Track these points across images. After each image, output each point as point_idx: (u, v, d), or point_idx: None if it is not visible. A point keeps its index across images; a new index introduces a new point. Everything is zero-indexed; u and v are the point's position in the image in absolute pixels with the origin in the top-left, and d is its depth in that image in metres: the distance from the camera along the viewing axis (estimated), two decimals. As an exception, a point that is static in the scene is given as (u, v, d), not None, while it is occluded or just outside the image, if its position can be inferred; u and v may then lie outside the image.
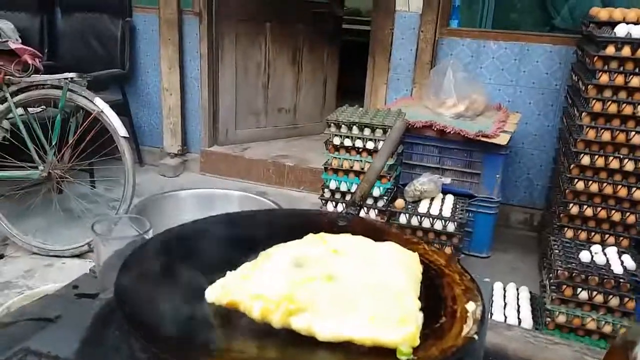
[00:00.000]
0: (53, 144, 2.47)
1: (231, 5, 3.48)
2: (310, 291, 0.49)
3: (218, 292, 0.52)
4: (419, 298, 0.52)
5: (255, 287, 0.51)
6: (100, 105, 2.42)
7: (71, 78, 2.45)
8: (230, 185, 3.47)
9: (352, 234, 0.64)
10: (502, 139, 2.45)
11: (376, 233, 0.64)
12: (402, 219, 2.41)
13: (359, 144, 2.45)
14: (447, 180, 2.60)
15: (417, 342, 0.46)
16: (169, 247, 0.61)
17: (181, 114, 3.59)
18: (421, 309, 0.51)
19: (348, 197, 2.53)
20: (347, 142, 2.47)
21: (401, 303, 0.49)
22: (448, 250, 2.36)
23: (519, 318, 2.09)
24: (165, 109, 3.60)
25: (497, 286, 2.30)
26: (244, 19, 3.56)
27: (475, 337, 0.46)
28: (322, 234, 0.61)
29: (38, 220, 2.68)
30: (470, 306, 0.51)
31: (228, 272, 0.55)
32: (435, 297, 0.54)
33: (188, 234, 0.63)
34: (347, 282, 0.51)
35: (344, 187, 2.51)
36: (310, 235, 0.62)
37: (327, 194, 2.57)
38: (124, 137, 2.42)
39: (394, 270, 0.54)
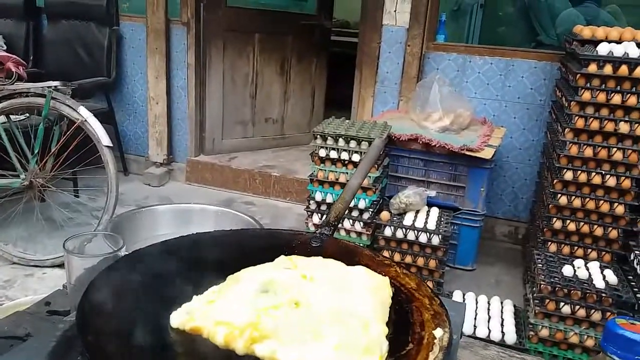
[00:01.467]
0: (35, 152, 2.44)
1: (219, 16, 3.49)
2: (275, 318, 0.49)
3: (183, 317, 0.51)
4: (387, 323, 0.52)
5: (219, 313, 0.50)
6: (84, 114, 2.40)
7: (55, 86, 2.42)
8: (215, 195, 3.46)
9: (325, 256, 0.63)
10: (487, 153, 2.47)
11: (349, 254, 0.64)
12: (387, 232, 2.41)
13: (344, 156, 2.45)
14: (433, 193, 2.60)
15: None
16: (136, 269, 0.60)
17: (167, 122, 3.58)
18: (388, 335, 0.50)
19: (333, 209, 2.52)
20: (333, 154, 2.47)
21: (367, 331, 0.48)
22: (432, 263, 2.37)
23: (502, 331, 2.09)
24: (151, 118, 3.58)
25: (482, 299, 2.30)
26: (232, 29, 3.56)
27: (441, 366, 0.46)
28: (293, 256, 0.61)
29: (19, 229, 2.64)
30: (438, 332, 0.51)
31: (194, 296, 0.54)
32: (404, 322, 0.53)
33: (156, 256, 0.62)
34: (314, 308, 0.50)
35: (329, 199, 2.50)
36: (282, 257, 0.61)
37: (313, 206, 2.56)
38: (108, 146, 2.40)
39: (362, 296, 0.53)
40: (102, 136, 2.40)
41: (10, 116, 2.56)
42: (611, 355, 0.43)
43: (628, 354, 0.42)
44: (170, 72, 3.51)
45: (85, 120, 2.39)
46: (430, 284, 2.37)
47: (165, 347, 0.50)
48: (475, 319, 2.18)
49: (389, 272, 0.62)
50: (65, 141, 2.48)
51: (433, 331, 0.51)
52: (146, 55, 3.48)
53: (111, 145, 2.43)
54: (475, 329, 2.12)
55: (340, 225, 2.46)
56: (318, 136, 2.47)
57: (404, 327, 0.52)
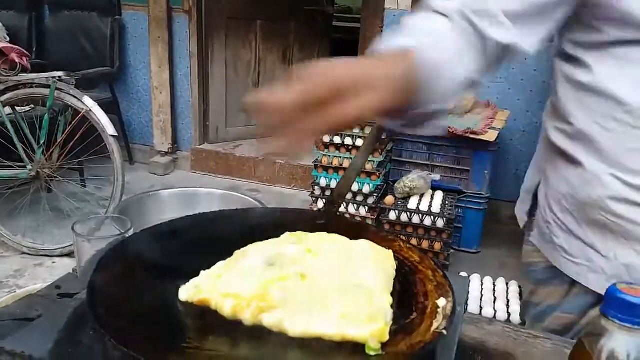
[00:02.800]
0: (41, 142, 2.46)
1: (221, 3, 3.48)
2: (282, 290, 0.50)
3: (191, 291, 0.52)
4: (392, 294, 0.53)
5: (227, 286, 0.51)
6: (88, 103, 2.41)
7: (59, 77, 2.44)
8: (220, 183, 3.48)
9: (330, 232, 0.64)
10: (491, 136, 2.47)
11: (354, 230, 0.65)
12: (392, 216, 2.43)
13: (348, 141, 2.46)
14: (437, 177, 2.61)
15: (386, 337, 0.46)
16: (145, 247, 0.61)
17: (171, 112, 3.59)
18: (393, 306, 0.51)
19: (338, 195, 2.54)
20: (337, 140, 2.48)
21: (372, 300, 0.50)
22: (437, 245, 2.38)
23: (508, 312, 2.11)
24: (155, 107, 3.60)
25: (487, 281, 2.31)
26: (234, 16, 3.55)
27: (444, 332, 0.47)
28: (298, 232, 0.62)
29: (27, 219, 2.67)
30: (441, 302, 0.52)
31: (202, 271, 0.55)
32: (408, 294, 0.54)
33: (164, 233, 0.63)
34: (320, 280, 0.52)
35: (334, 185, 2.51)
36: (287, 233, 0.62)
37: (318, 192, 2.58)
38: (113, 136, 2.41)
39: (366, 268, 0.55)
40: (107, 125, 2.42)
41: (16, 107, 2.58)
42: (612, 319, 0.44)
43: (628, 317, 0.43)
44: (173, 61, 3.51)
45: (90, 110, 2.41)
46: (435, 266, 2.39)
47: (174, 319, 0.51)
48: (481, 300, 2.19)
49: (392, 246, 0.64)
50: (71, 131, 2.49)
51: (436, 301, 0.52)
52: (149, 45, 3.49)
53: (116, 134, 2.45)
54: (481, 310, 2.13)
55: (344, 211, 2.48)
56: (322, 122, 2.48)
57: (408, 297, 0.53)
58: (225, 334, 0.48)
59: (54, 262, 2.50)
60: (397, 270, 0.58)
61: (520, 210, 0.95)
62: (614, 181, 0.69)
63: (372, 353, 0.45)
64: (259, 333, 0.48)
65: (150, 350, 0.43)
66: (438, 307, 0.51)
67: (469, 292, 0.60)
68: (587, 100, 0.71)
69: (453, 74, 0.65)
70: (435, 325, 0.48)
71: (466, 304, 0.65)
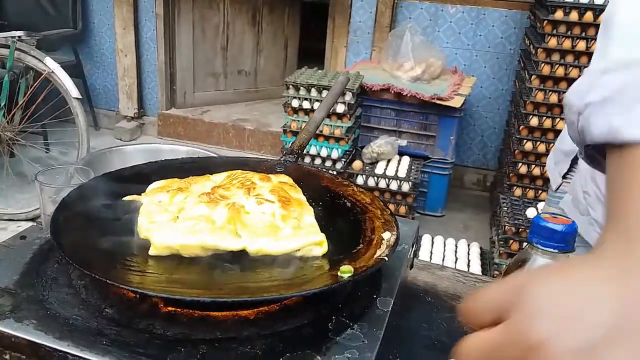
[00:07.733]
0: (1, 105, 2.39)
1: (188, -37, 3.38)
2: (225, 215, 0.54)
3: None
4: (343, 233, 0.57)
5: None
6: (50, 65, 2.35)
7: (19, 36, 2.36)
8: (190, 149, 3.45)
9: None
10: (456, 102, 2.52)
11: (311, 178, 0.68)
12: (360, 180, 2.47)
13: (317, 106, 2.47)
14: (404, 143, 2.66)
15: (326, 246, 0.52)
16: (106, 188, 0.63)
17: (137, 75, 3.51)
18: (342, 239, 0.55)
19: (307, 160, 2.57)
20: (306, 105, 2.48)
21: (303, 221, 0.55)
22: (403, 209, 2.45)
23: (469, 272, 2.20)
24: (120, 71, 3.51)
25: (450, 242, 2.40)
26: (202, -23, 3.47)
27: (386, 258, 0.51)
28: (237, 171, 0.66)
29: (-10, 184, 2.62)
30: (386, 235, 0.56)
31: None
32: (357, 229, 0.58)
33: (123, 178, 0.65)
34: (258, 211, 0.56)
35: (302, 149, 2.53)
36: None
37: (286, 156, 2.59)
38: (77, 98, 2.36)
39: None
40: (70, 88, 2.36)
41: (-27, 68, 2.49)
42: (536, 245, 0.48)
43: (549, 242, 0.47)
44: (139, 23, 3.42)
45: (52, 72, 2.35)
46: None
47: (134, 248, 0.54)
48: (443, 260, 2.28)
49: (346, 190, 0.67)
50: (33, 94, 2.43)
51: (382, 234, 0.56)
52: (113, 6, 3.38)
53: (80, 97, 2.40)
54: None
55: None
56: (290, 86, 2.48)
57: (357, 233, 0.57)
58: (182, 262, 0.52)
59: (18, 227, 2.47)
60: (349, 210, 0.62)
61: (556, 172, 0.90)
62: None
63: (345, 276, 0.49)
64: (210, 263, 0.52)
65: (113, 274, 0.46)
66: (383, 239, 0.55)
67: (418, 235, 0.64)
68: None
69: None
70: (378, 253, 0.52)
71: (415, 245, 0.70)
